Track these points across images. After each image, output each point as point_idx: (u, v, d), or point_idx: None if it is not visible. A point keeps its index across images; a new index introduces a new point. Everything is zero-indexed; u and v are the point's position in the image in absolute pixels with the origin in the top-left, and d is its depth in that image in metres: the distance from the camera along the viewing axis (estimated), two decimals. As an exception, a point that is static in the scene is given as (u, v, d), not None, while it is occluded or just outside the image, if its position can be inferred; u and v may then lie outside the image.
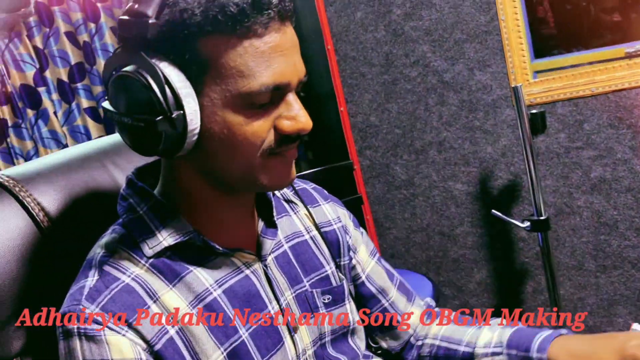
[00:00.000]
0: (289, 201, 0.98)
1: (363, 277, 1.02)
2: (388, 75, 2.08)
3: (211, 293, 0.78)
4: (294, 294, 0.87)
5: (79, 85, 2.50)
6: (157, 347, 0.72)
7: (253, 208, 0.87)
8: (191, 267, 0.78)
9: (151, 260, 0.77)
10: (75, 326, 0.71)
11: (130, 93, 0.70)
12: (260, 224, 0.88)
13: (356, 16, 2.07)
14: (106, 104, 0.75)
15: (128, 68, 0.70)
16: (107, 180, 0.96)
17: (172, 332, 0.74)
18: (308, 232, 0.95)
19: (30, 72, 2.36)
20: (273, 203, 0.89)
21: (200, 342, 0.75)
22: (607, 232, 1.94)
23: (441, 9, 1.95)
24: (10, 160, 2.31)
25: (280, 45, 0.71)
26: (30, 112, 2.36)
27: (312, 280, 0.91)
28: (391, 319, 1.03)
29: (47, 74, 2.42)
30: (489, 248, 2.13)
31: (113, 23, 2.45)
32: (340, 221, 1.01)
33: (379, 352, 1.05)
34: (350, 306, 0.95)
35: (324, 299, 0.90)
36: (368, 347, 1.03)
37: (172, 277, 0.77)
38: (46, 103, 2.38)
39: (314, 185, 1.04)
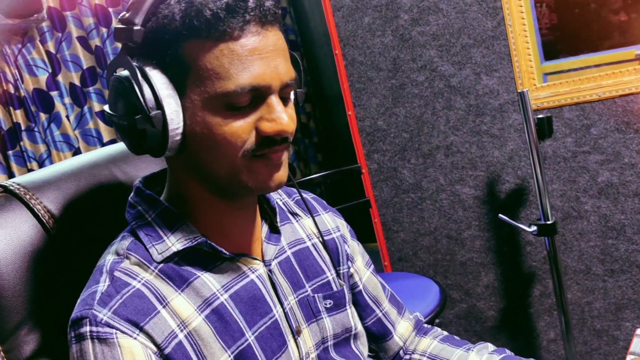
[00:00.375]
0: (288, 206, 0.99)
1: (360, 287, 1.03)
2: (395, 80, 2.09)
3: (218, 298, 0.79)
4: (296, 299, 0.89)
5: (90, 89, 2.52)
6: (167, 350, 0.74)
7: (256, 214, 0.88)
8: (198, 272, 0.80)
9: (160, 265, 0.78)
10: (88, 329, 0.72)
11: (119, 95, 0.75)
12: (264, 230, 0.90)
13: (364, 21, 2.09)
14: (105, 107, 0.80)
15: (119, 72, 0.75)
16: (115, 188, 0.97)
17: (181, 336, 0.75)
18: (310, 240, 0.97)
19: (43, 77, 2.38)
20: (277, 210, 0.91)
21: (208, 346, 0.76)
22: (615, 236, 1.93)
23: (448, 14, 1.96)
24: (23, 164, 2.33)
25: (258, 48, 0.73)
26: (43, 116, 2.38)
27: (314, 286, 0.92)
28: (385, 330, 1.04)
29: (60, 78, 2.44)
30: (496, 252, 2.13)
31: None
32: (339, 230, 1.02)
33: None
34: (351, 311, 0.96)
35: (326, 304, 0.92)
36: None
37: (181, 283, 0.78)
38: (59, 107, 2.41)
39: (314, 195, 1.06)
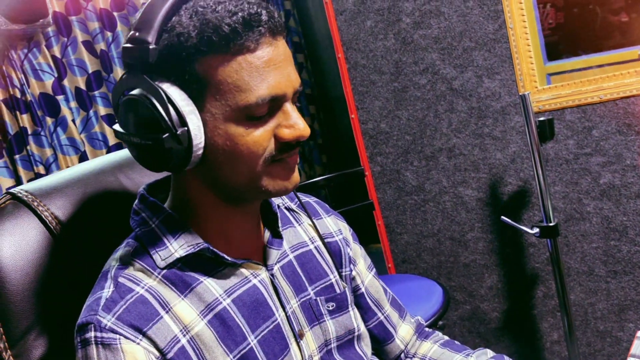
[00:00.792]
0: (290, 210, 1.01)
1: (362, 289, 1.04)
2: (398, 83, 2.11)
3: (221, 302, 0.80)
4: (299, 302, 0.90)
5: (96, 93, 2.54)
6: (170, 355, 0.75)
7: (259, 219, 0.90)
8: (201, 278, 0.81)
9: (163, 271, 0.80)
10: (93, 335, 0.74)
11: (138, 114, 0.75)
12: (266, 235, 0.91)
13: (366, 25, 2.10)
14: (117, 127, 0.80)
15: (134, 91, 0.75)
16: (120, 194, 0.99)
17: (183, 341, 0.77)
18: (312, 243, 0.98)
19: (49, 81, 2.40)
20: (278, 214, 0.92)
21: (211, 350, 0.78)
22: (617, 237, 1.94)
23: (450, 18, 1.97)
24: (30, 168, 2.35)
25: (273, 59, 0.75)
26: (49, 120, 2.40)
27: (317, 289, 0.93)
28: (386, 333, 1.05)
29: (66, 82, 2.46)
30: (499, 253, 2.14)
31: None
32: (342, 233, 1.04)
33: None
34: (354, 313, 0.97)
35: (328, 306, 0.93)
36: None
37: (184, 288, 0.79)
38: (65, 111, 2.42)
39: (316, 199, 1.07)
